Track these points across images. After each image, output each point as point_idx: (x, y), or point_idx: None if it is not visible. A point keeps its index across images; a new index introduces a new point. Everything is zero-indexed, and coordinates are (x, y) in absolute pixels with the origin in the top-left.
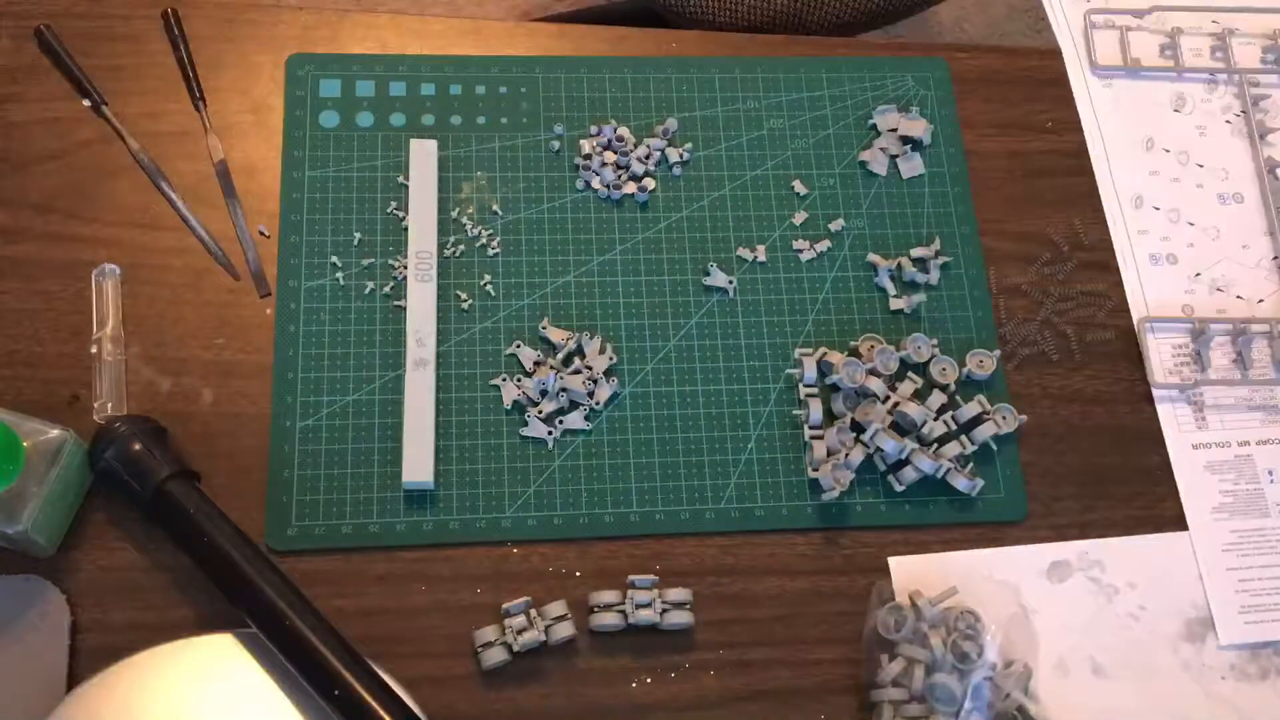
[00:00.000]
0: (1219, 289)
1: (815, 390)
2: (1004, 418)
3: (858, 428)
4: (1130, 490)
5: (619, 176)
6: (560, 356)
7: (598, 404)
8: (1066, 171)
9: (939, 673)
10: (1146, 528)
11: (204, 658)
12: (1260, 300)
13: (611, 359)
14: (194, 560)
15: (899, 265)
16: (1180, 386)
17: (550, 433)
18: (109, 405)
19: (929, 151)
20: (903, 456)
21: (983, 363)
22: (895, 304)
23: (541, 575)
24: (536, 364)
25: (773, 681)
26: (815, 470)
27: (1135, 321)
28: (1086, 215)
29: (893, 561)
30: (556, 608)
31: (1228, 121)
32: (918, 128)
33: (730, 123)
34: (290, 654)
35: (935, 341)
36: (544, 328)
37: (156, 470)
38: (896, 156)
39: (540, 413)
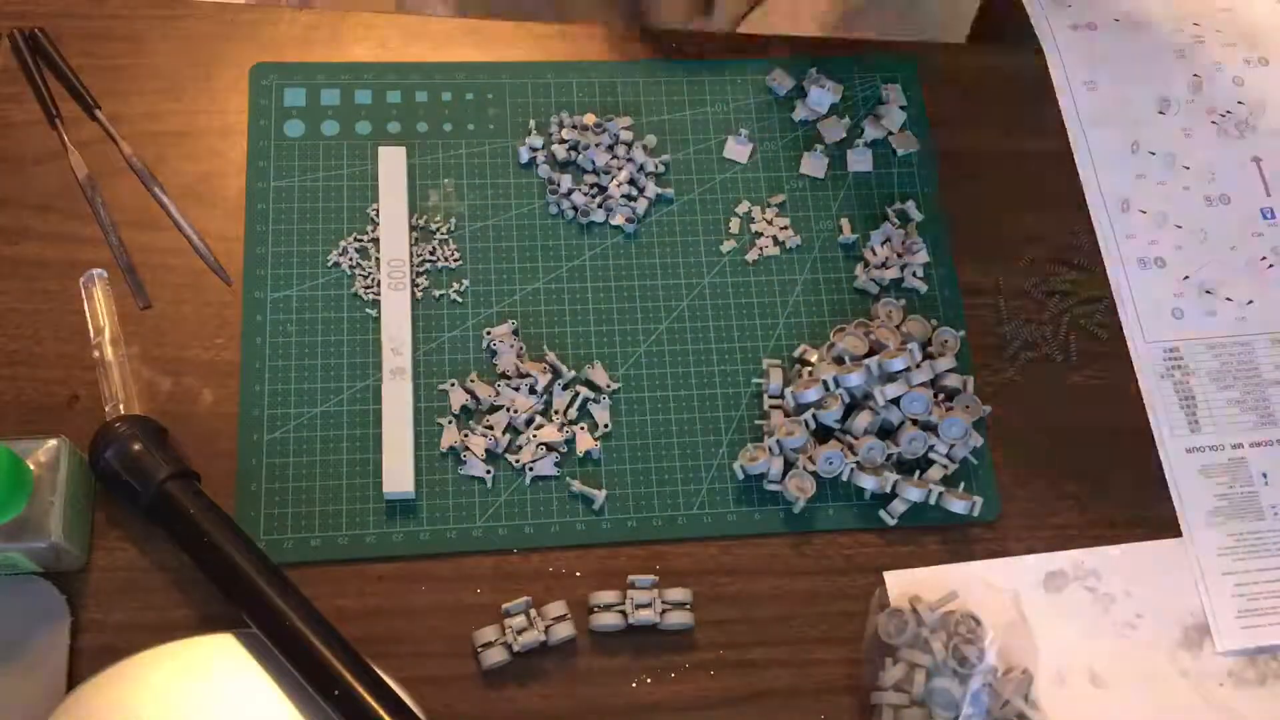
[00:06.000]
0: (1208, 291)
1: (779, 403)
2: (967, 407)
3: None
4: (1127, 493)
5: (588, 203)
6: (523, 417)
7: (585, 452)
8: (1066, 172)
9: (939, 678)
10: (1143, 531)
11: (204, 658)
12: (1249, 302)
13: (607, 428)
14: (194, 560)
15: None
16: (1173, 389)
17: (489, 471)
18: (120, 406)
19: (899, 155)
20: (888, 490)
21: (947, 342)
22: (862, 281)
23: (541, 575)
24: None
25: (773, 682)
26: (776, 484)
27: (1125, 325)
28: (1079, 218)
29: (888, 576)
30: (556, 608)
31: (1213, 123)
32: (907, 141)
33: (699, 126)
34: (290, 654)
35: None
36: (471, 380)
37: (156, 470)
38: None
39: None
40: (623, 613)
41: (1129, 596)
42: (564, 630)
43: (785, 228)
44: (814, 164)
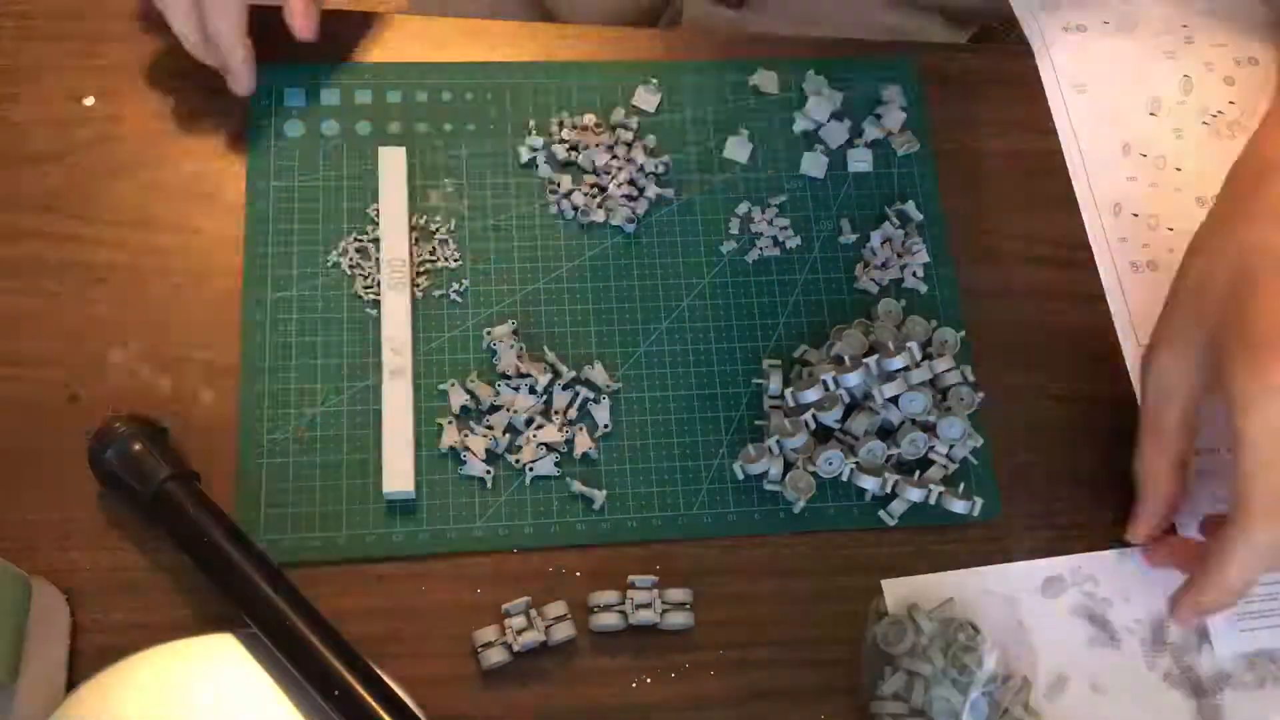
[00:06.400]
0: None
1: (779, 403)
2: (962, 398)
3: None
4: (1126, 495)
5: (588, 203)
6: (523, 417)
7: (583, 452)
8: (1061, 173)
9: (938, 686)
10: None
11: (204, 658)
12: None
13: (607, 428)
14: (194, 560)
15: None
16: None
17: (489, 471)
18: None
19: (899, 156)
20: (888, 491)
21: (947, 342)
22: (862, 282)
23: (541, 575)
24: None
25: (773, 681)
26: (776, 484)
27: (1119, 329)
28: (1071, 220)
29: (886, 584)
30: (556, 608)
31: (1204, 123)
32: (905, 140)
33: (699, 126)
34: (290, 654)
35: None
36: (471, 380)
37: (156, 470)
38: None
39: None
40: (623, 613)
41: (1127, 601)
42: (564, 630)
43: (785, 228)
44: (814, 164)
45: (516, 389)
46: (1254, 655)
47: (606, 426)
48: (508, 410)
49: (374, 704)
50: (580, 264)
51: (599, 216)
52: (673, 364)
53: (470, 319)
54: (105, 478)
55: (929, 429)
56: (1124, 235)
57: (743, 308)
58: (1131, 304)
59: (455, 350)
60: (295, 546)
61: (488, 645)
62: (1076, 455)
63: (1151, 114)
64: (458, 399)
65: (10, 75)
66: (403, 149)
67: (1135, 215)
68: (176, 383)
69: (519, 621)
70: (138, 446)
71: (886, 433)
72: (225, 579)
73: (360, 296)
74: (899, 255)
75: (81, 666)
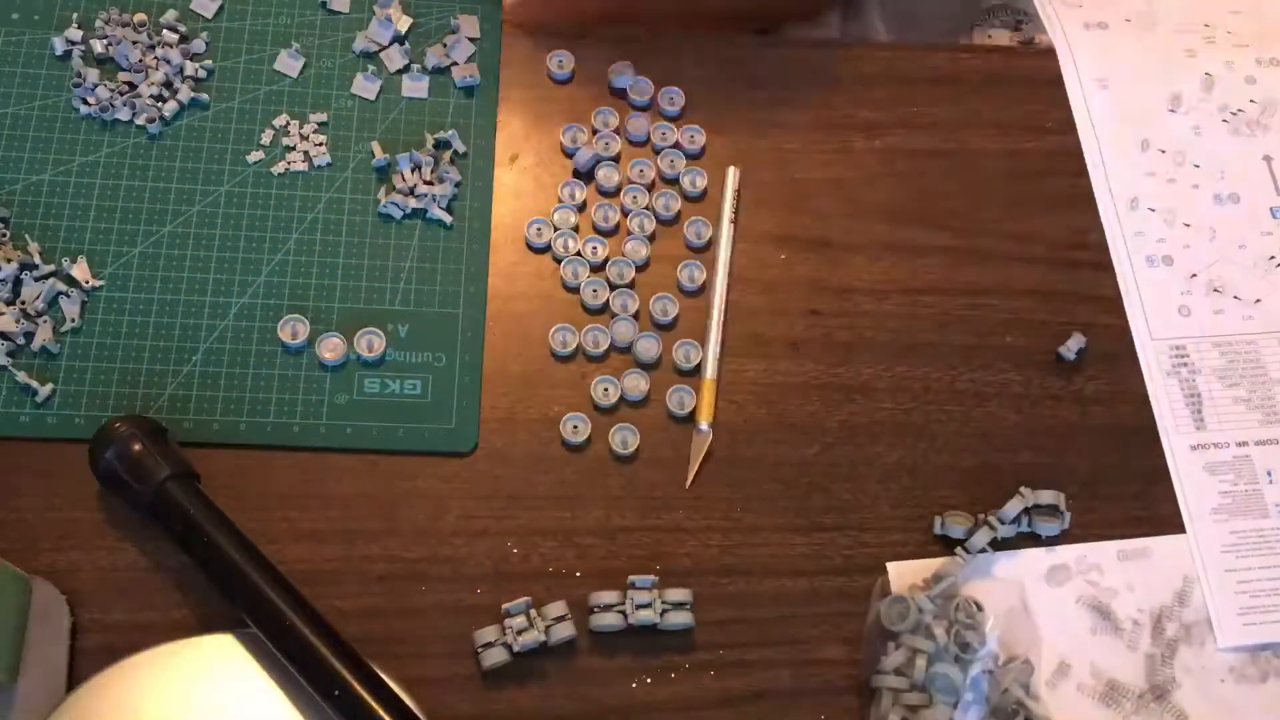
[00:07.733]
0: (1216, 290)
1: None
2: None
3: None
4: (1129, 491)
5: (112, 99)
6: None
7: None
8: (1067, 172)
9: (940, 663)
10: (1145, 529)
11: (204, 658)
12: (1257, 300)
13: (74, 323)
14: (194, 560)
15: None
16: (1179, 387)
17: None
18: None
19: (459, 86)
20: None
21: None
22: (385, 206)
23: (541, 575)
24: None
25: (773, 681)
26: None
27: (1131, 323)
28: (1086, 216)
29: (891, 566)
30: (556, 608)
31: (1224, 121)
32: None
33: (257, 36)
34: (290, 654)
35: None
36: None
37: (156, 470)
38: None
39: None
40: (623, 613)
41: (1131, 591)
42: (564, 630)
43: (320, 144)
44: (365, 85)
45: None
46: (1257, 649)
47: (74, 322)
48: None
49: (374, 704)
50: (94, 160)
51: (124, 114)
52: (166, 268)
53: None
54: (105, 478)
55: None
56: (1140, 229)
57: (256, 219)
58: (1145, 298)
59: None
60: None
61: (488, 645)
62: (1081, 451)
63: (1171, 110)
64: None
65: None
66: None
67: (1152, 210)
68: None
69: (519, 621)
70: (138, 446)
71: None
72: (225, 579)
73: None
74: (428, 183)
75: (81, 666)
